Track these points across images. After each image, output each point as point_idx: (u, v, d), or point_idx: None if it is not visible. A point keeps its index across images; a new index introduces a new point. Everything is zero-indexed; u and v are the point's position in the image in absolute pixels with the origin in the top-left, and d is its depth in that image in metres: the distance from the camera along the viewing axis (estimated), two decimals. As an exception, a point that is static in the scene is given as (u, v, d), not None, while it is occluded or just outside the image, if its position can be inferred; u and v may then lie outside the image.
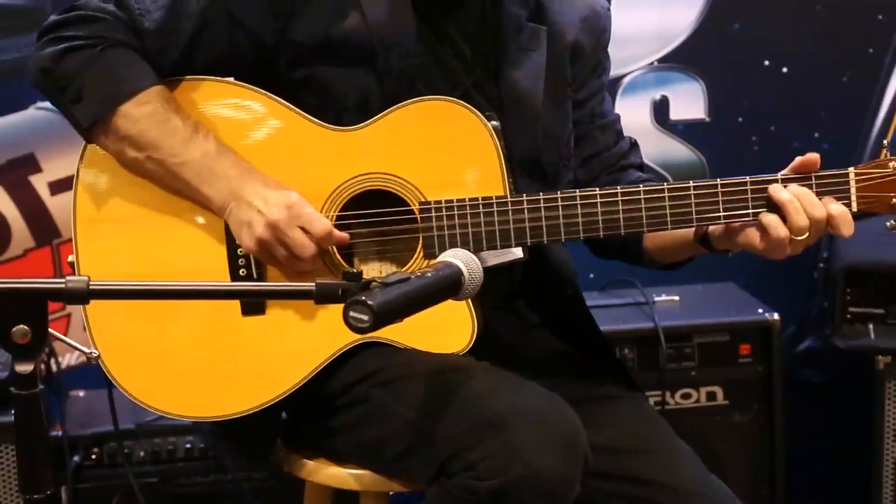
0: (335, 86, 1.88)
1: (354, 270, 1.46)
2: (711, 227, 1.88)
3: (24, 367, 1.40)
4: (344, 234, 1.83)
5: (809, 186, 1.79)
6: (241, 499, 2.73)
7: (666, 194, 1.81)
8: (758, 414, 2.86)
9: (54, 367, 2.81)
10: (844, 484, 3.10)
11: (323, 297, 1.45)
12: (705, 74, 3.27)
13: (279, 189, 1.82)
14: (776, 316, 2.86)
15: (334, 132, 1.86)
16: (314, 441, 1.95)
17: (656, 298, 2.96)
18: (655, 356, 2.79)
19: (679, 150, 3.29)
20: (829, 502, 3.24)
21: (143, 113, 1.83)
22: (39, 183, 3.02)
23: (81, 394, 2.93)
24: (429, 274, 1.51)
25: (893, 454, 2.84)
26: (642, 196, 1.81)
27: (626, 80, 3.25)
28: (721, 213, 1.81)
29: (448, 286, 1.55)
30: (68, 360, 3.08)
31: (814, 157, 1.81)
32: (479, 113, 1.83)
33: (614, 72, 3.20)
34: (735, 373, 2.85)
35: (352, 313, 1.41)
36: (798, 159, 1.81)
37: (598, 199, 1.81)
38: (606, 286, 3.05)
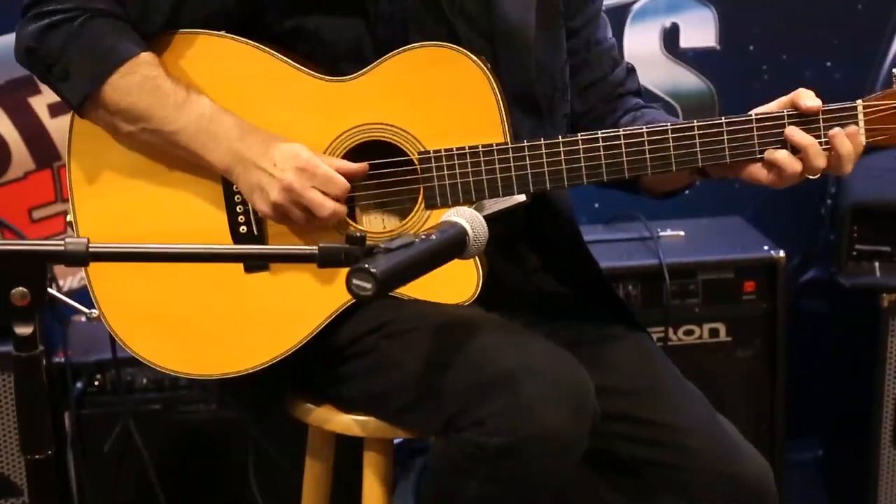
0: (326, 34, 1.84)
1: (357, 234, 1.44)
2: None
3: (24, 329, 1.39)
4: (362, 165, 1.79)
5: (816, 121, 1.75)
6: (243, 427, 2.75)
7: (670, 136, 1.77)
8: (760, 350, 2.86)
9: (55, 291, 2.80)
10: (844, 421, 3.11)
11: (326, 261, 1.43)
12: (716, 1, 3.20)
13: (284, 145, 1.78)
14: (782, 253, 2.83)
15: (330, 83, 1.82)
16: (320, 386, 1.95)
17: (661, 233, 2.93)
18: (659, 293, 2.78)
19: (688, 79, 3.23)
20: (828, 439, 3.26)
21: (131, 83, 1.79)
22: (39, 105, 2.98)
23: (83, 319, 2.92)
24: (433, 236, 1.50)
25: (894, 391, 2.83)
26: (646, 139, 1.78)
27: (636, 6, 3.18)
28: (727, 153, 1.77)
29: (453, 247, 1.53)
30: (69, 283, 3.07)
31: (801, 95, 1.77)
32: (476, 58, 1.78)
33: (623, -2, 3.18)
34: (739, 309, 2.84)
35: (355, 281, 1.39)
36: (786, 98, 1.78)
37: (601, 143, 1.78)
38: (611, 220, 3.03)
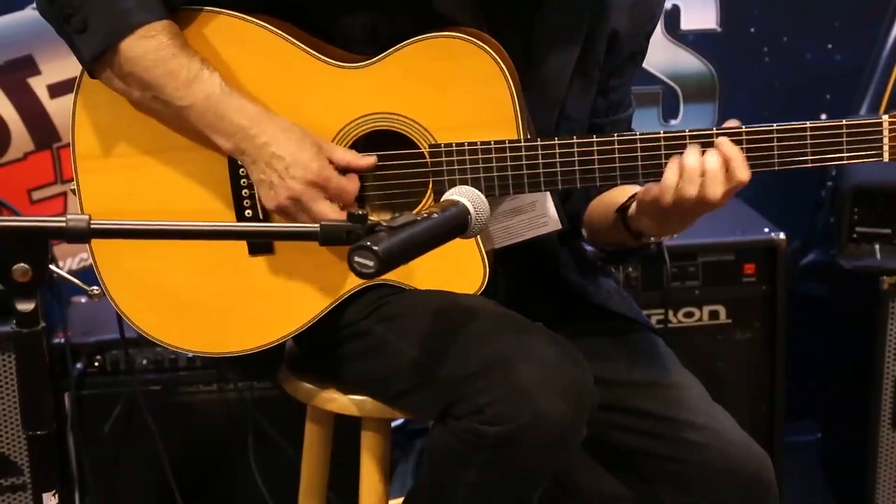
0: (345, 17, 1.81)
1: (359, 212, 1.44)
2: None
3: (26, 306, 1.39)
4: (371, 159, 1.78)
5: (839, 136, 1.73)
6: (243, 408, 2.75)
7: (687, 142, 1.74)
8: (759, 332, 2.86)
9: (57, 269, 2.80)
10: (843, 403, 3.11)
11: (328, 238, 1.43)
12: (718, -17, 3.21)
13: (296, 146, 1.74)
14: (782, 235, 2.83)
15: (343, 69, 1.78)
16: (319, 367, 1.95)
17: (662, 215, 2.92)
18: (659, 275, 2.78)
19: (689, 61, 3.23)
20: (827, 421, 3.26)
21: (147, 48, 1.74)
22: (38, 85, 2.96)
23: (83, 300, 2.92)
24: (435, 215, 1.49)
25: (893, 373, 2.84)
26: (662, 143, 1.75)
27: (638, -13, 3.17)
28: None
29: (455, 226, 1.53)
30: (69, 264, 3.07)
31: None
32: (493, 52, 1.74)
33: (625, -20, 3.16)
34: (738, 292, 2.84)
35: (357, 258, 1.39)
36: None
37: (616, 146, 1.75)
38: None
